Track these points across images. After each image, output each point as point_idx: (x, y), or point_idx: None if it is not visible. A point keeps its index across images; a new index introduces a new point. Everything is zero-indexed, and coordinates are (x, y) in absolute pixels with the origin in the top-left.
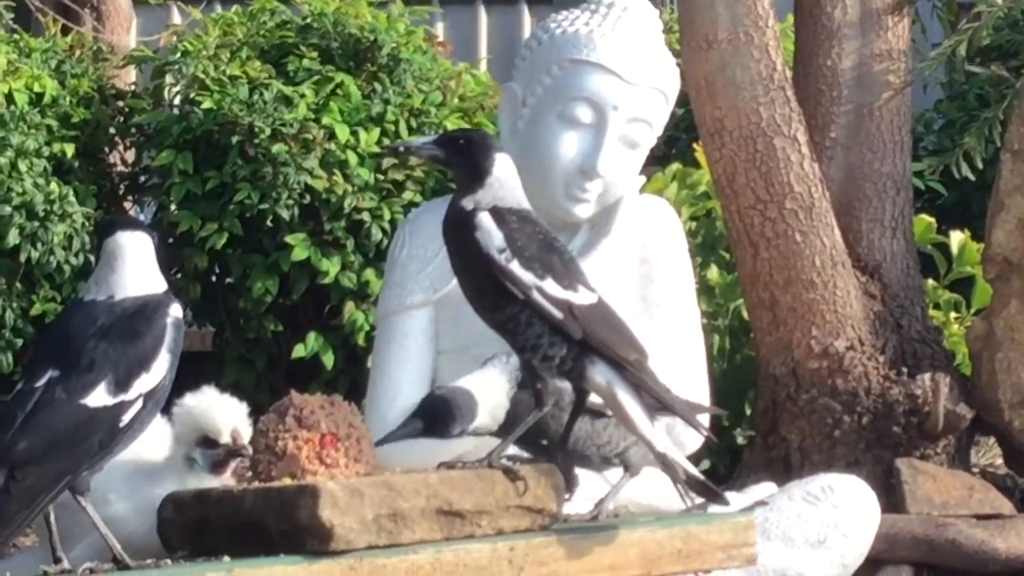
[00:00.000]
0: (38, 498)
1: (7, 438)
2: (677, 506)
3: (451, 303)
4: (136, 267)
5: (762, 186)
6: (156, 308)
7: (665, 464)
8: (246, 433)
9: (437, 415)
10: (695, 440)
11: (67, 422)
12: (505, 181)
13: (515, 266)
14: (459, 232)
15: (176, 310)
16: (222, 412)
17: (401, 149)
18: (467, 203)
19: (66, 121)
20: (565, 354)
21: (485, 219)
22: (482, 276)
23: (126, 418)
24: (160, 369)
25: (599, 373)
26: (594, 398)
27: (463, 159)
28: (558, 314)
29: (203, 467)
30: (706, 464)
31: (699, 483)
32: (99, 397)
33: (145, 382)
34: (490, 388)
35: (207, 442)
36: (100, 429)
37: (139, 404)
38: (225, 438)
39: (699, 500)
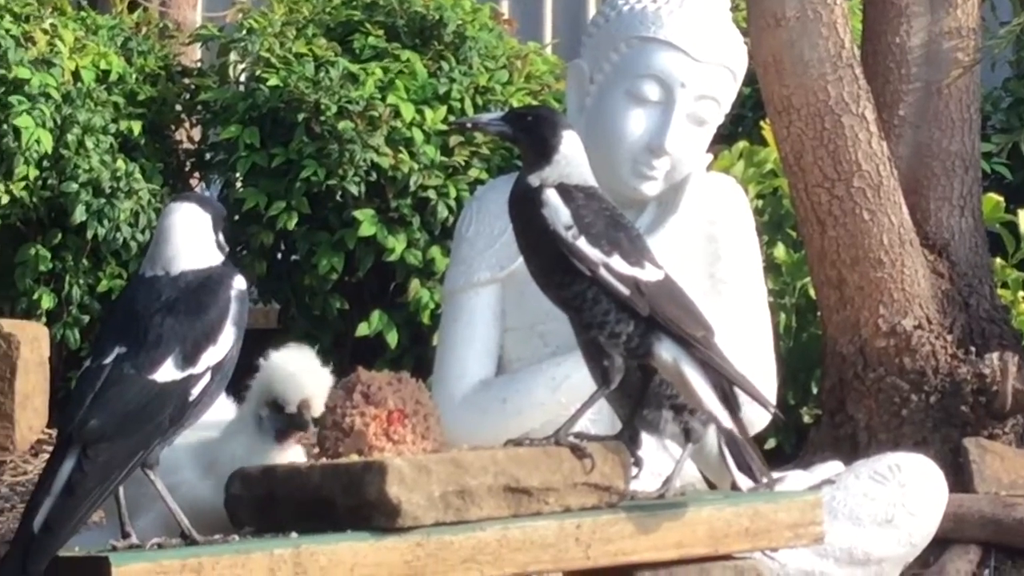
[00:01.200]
0: (112, 475)
1: (78, 416)
2: (744, 484)
3: (518, 281)
4: (192, 241)
5: (830, 164)
6: (220, 280)
7: (731, 441)
8: (319, 407)
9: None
10: (762, 419)
11: (137, 398)
12: (572, 158)
13: (582, 243)
14: (525, 209)
15: (240, 282)
16: (296, 380)
17: (468, 125)
18: (533, 180)
19: (132, 98)
20: (632, 331)
21: (552, 196)
22: (548, 253)
23: (195, 392)
24: (226, 341)
25: (666, 350)
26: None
27: (530, 135)
28: (625, 291)
29: (268, 431)
30: (772, 443)
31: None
32: (168, 372)
33: (212, 355)
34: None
35: (275, 406)
36: (170, 404)
37: (207, 377)
38: (291, 408)
39: (766, 479)
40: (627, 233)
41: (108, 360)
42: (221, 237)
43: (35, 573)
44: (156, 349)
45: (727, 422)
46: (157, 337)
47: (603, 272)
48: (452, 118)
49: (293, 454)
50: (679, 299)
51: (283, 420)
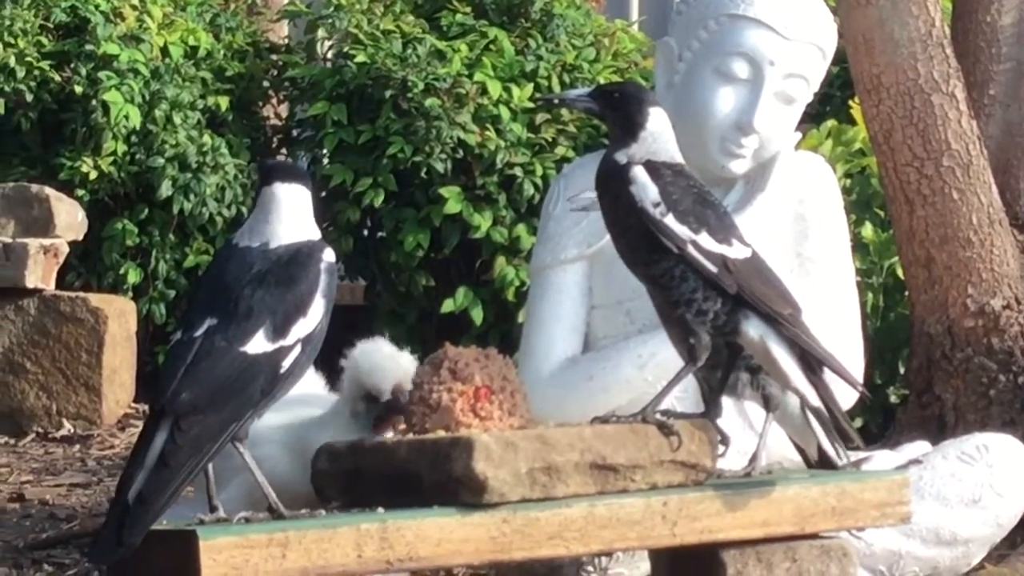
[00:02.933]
0: (205, 448)
1: (171, 389)
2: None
3: (604, 258)
4: (292, 216)
5: (919, 143)
6: (310, 254)
7: (819, 418)
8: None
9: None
10: (848, 398)
11: (228, 370)
12: (659, 135)
13: (670, 220)
14: (612, 186)
15: (329, 255)
16: (384, 368)
17: (555, 101)
18: (620, 157)
19: (220, 74)
20: (719, 308)
21: (640, 173)
22: (636, 231)
23: (286, 364)
24: (316, 314)
25: (753, 328)
26: None
27: (617, 112)
28: (713, 268)
29: (366, 422)
30: (859, 422)
31: (830, 464)
32: (259, 344)
33: (302, 327)
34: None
35: (370, 398)
36: (261, 376)
37: (298, 349)
38: (385, 396)
39: (853, 457)
40: (715, 210)
41: (199, 333)
42: None
43: (131, 545)
44: (247, 321)
45: (815, 400)
46: (248, 309)
47: (691, 249)
48: (539, 96)
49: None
50: (766, 277)
51: (381, 408)
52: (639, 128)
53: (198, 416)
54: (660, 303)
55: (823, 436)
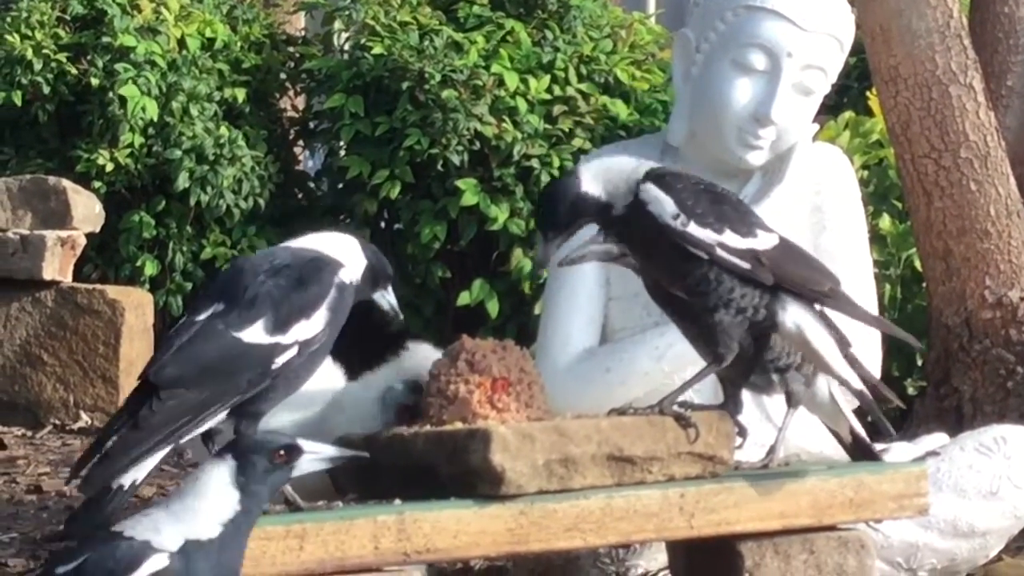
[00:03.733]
0: (180, 420)
1: (159, 362)
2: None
3: None
4: (332, 241)
5: (937, 135)
6: (328, 264)
7: (864, 401)
8: None
9: None
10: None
11: (219, 352)
12: (611, 169)
13: (693, 228)
14: (630, 223)
15: (348, 275)
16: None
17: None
18: (617, 209)
19: (237, 66)
20: (758, 302)
21: (651, 189)
22: (663, 248)
23: (279, 361)
24: (318, 321)
25: (790, 319)
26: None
27: (569, 218)
28: (745, 265)
29: (391, 405)
30: None
31: (863, 443)
32: (255, 333)
33: (303, 329)
34: None
35: (414, 385)
36: (252, 366)
37: (294, 350)
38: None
39: (878, 447)
40: (731, 205)
41: (202, 316)
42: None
43: (85, 493)
44: (249, 309)
45: (857, 384)
46: (253, 297)
47: (720, 252)
48: (556, 88)
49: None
50: (800, 258)
51: (414, 398)
52: (591, 197)
53: (179, 389)
54: (692, 312)
55: (854, 420)
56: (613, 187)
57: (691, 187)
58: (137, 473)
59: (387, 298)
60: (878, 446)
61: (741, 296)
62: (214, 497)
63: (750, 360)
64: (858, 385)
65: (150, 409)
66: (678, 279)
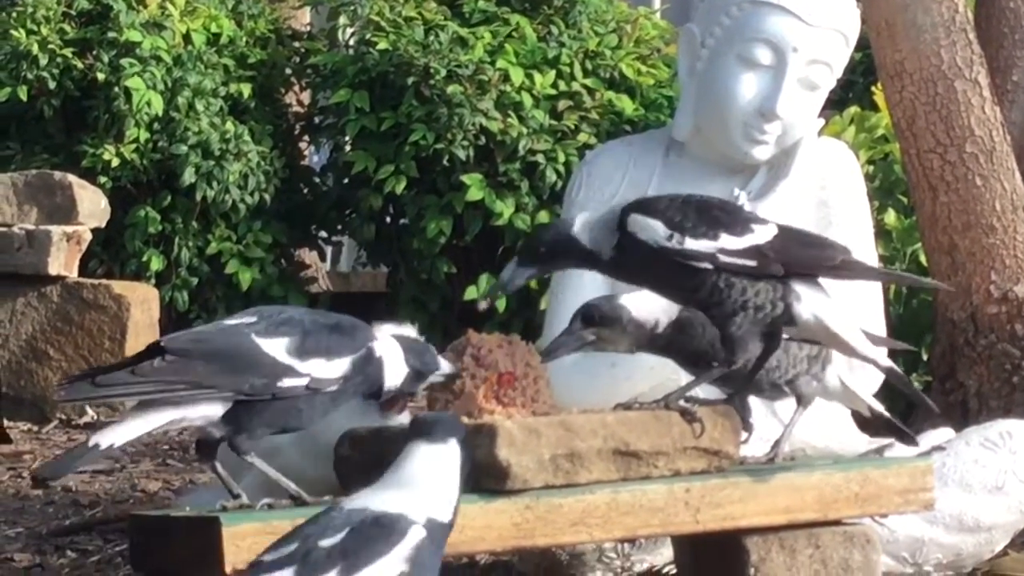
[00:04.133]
0: (172, 387)
1: (177, 333)
2: (853, 449)
3: None
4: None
5: (942, 129)
6: (367, 330)
7: (895, 377)
8: None
9: (604, 318)
10: (874, 381)
11: (233, 345)
12: (591, 228)
13: (689, 242)
14: (626, 258)
15: (380, 348)
16: None
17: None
18: (604, 254)
19: (242, 61)
20: (774, 296)
21: (637, 219)
22: (667, 271)
23: (286, 382)
24: (338, 368)
25: (805, 310)
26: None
27: (549, 256)
28: (751, 263)
29: (373, 403)
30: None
31: (887, 421)
32: (274, 347)
33: (320, 367)
34: (645, 301)
35: None
36: (257, 373)
37: (303, 380)
38: None
39: (883, 441)
40: (719, 209)
41: (234, 322)
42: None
43: (61, 400)
44: (279, 327)
45: (885, 360)
46: (287, 319)
47: (723, 258)
48: (562, 83)
49: (398, 422)
50: (803, 239)
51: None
52: (568, 234)
53: (184, 358)
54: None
55: (872, 399)
56: (597, 234)
57: (675, 204)
58: (114, 437)
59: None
60: (881, 441)
61: (756, 294)
62: (448, 480)
63: (759, 357)
64: (886, 362)
65: (151, 365)
66: (689, 296)
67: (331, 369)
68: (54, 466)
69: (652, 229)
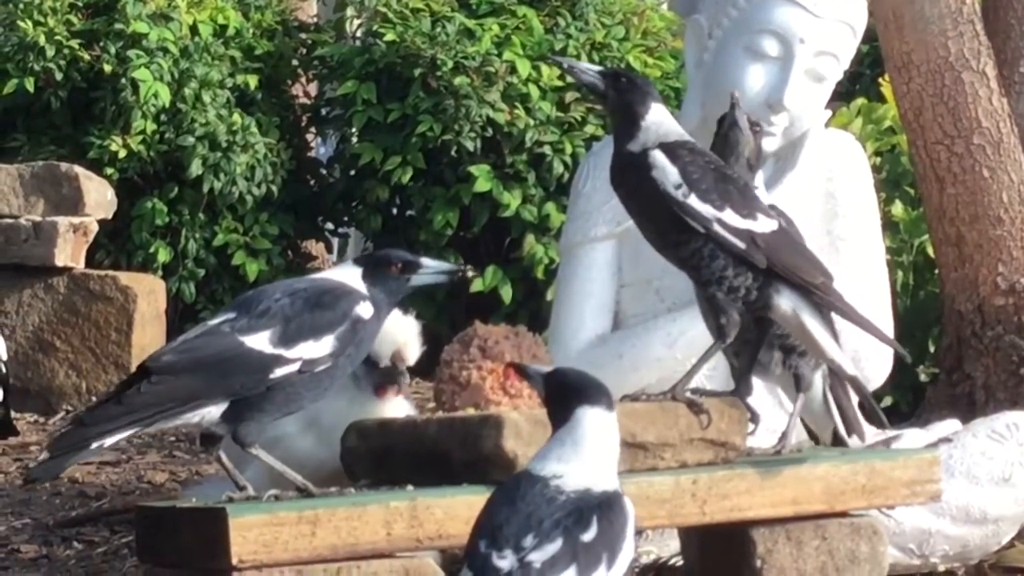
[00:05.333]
0: (163, 404)
1: (161, 351)
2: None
3: (634, 236)
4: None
5: (949, 121)
6: (348, 295)
7: (856, 387)
8: (413, 354)
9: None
10: (880, 374)
11: (218, 350)
12: (660, 126)
13: (693, 200)
14: (631, 175)
15: (365, 310)
16: (384, 334)
17: (566, 66)
18: (633, 146)
19: (249, 53)
20: (750, 284)
21: (658, 157)
22: (661, 215)
23: (277, 372)
24: (326, 345)
25: (785, 301)
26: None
27: (620, 97)
28: (740, 244)
29: (366, 387)
30: (888, 400)
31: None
32: (259, 341)
33: (309, 349)
34: None
35: (369, 362)
36: (247, 371)
37: (294, 367)
38: (384, 362)
39: (880, 436)
40: (736, 185)
41: (215, 322)
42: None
43: (51, 453)
44: (260, 319)
45: (851, 369)
46: (266, 309)
47: (717, 227)
48: (552, 57)
49: (395, 406)
50: (796, 247)
51: (378, 375)
52: (639, 117)
53: (170, 376)
54: (694, 283)
55: (837, 415)
56: (654, 131)
57: (699, 162)
58: (105, 440)
59: (423, 278)
60: (889, 433)
61: (734, 276)
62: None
63: (755, 344)
64: (851, 371)
65: (137, 390)
66: (671, 248)
67: (319, 348)
68: (45, 468)
69: (665, 173)
